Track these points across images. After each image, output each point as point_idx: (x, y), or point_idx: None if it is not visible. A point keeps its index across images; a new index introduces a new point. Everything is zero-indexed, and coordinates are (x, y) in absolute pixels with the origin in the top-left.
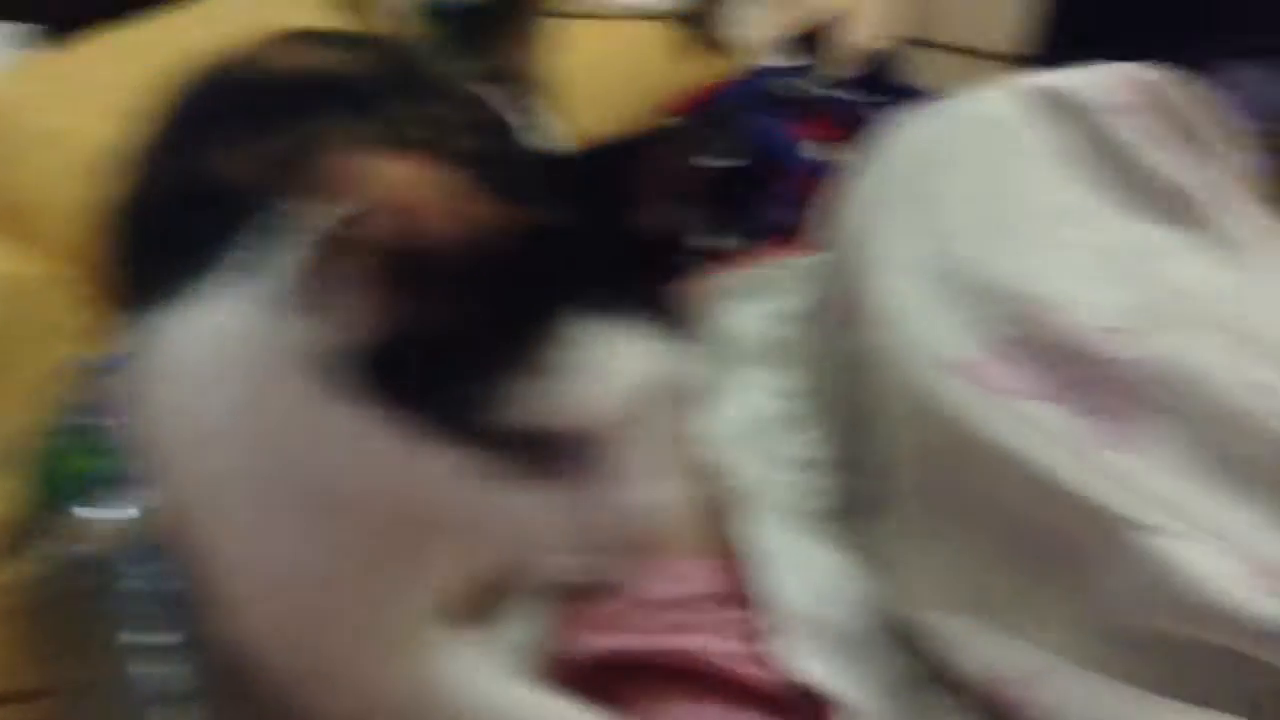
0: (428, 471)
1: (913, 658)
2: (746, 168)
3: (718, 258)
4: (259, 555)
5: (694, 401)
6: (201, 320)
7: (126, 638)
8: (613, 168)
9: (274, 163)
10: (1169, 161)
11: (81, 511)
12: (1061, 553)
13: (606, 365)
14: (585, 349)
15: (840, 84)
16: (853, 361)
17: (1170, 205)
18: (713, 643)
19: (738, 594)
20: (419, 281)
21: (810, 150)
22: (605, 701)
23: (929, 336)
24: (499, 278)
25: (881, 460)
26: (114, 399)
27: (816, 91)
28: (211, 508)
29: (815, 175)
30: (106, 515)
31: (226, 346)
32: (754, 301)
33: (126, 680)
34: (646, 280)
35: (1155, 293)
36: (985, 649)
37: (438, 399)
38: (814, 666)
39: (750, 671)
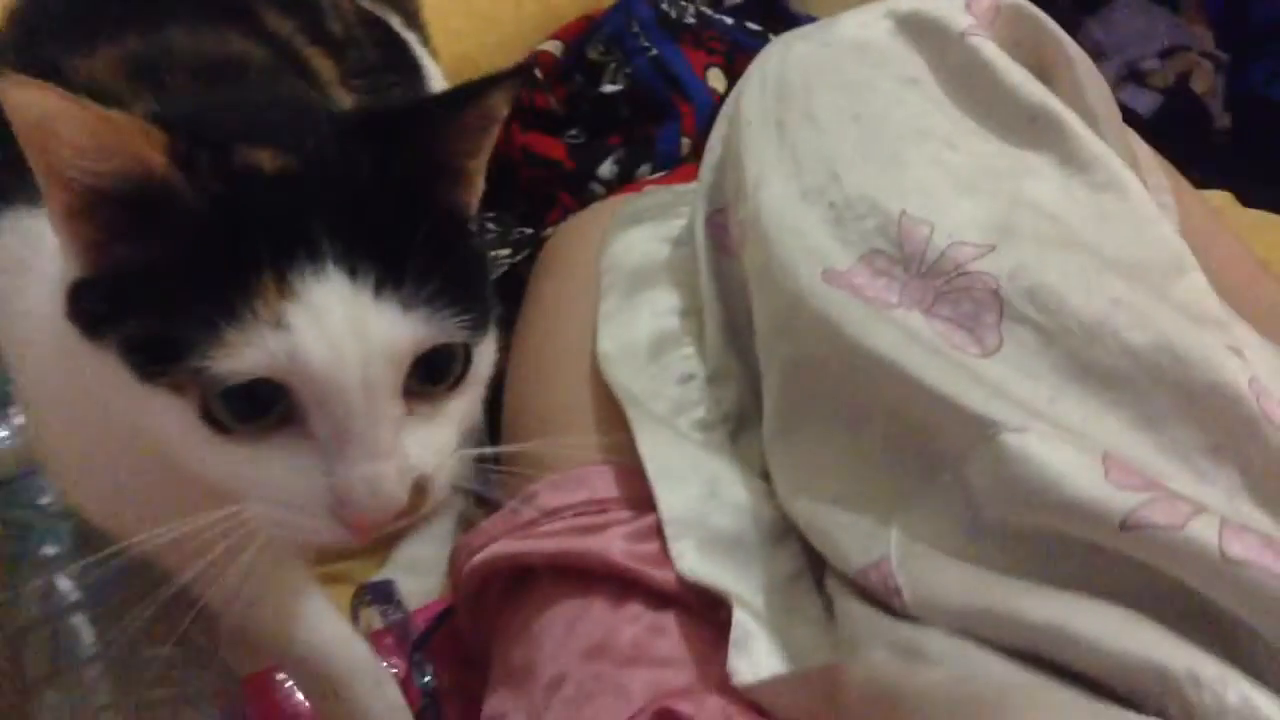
0: (160, 418)
1: (793, 556)
2: (645, 95)
3: (618, 188)
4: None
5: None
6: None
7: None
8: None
9: (128, 71)
10: (1029, 83)
11: None
12: (931, 453)
13: (339, 323)
14: (317, 305)
15: (723, 9)
16: (730, 277)
17: (1030, 125)
18: (615, 544)
19: (642, 498)
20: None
21: (711, 77)
22: (509, 608)
23: (807, 249)
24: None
25: (759, 370)
26: None
27: (701, 17)
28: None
29: (709, 102)
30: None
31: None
32: (641, 226)
33: (29, 594)
34: (428, 239)
35: (1015, 210)
36: (859, 538)
37: (142, 341)
38: (700, 566)
39: (647, 570)
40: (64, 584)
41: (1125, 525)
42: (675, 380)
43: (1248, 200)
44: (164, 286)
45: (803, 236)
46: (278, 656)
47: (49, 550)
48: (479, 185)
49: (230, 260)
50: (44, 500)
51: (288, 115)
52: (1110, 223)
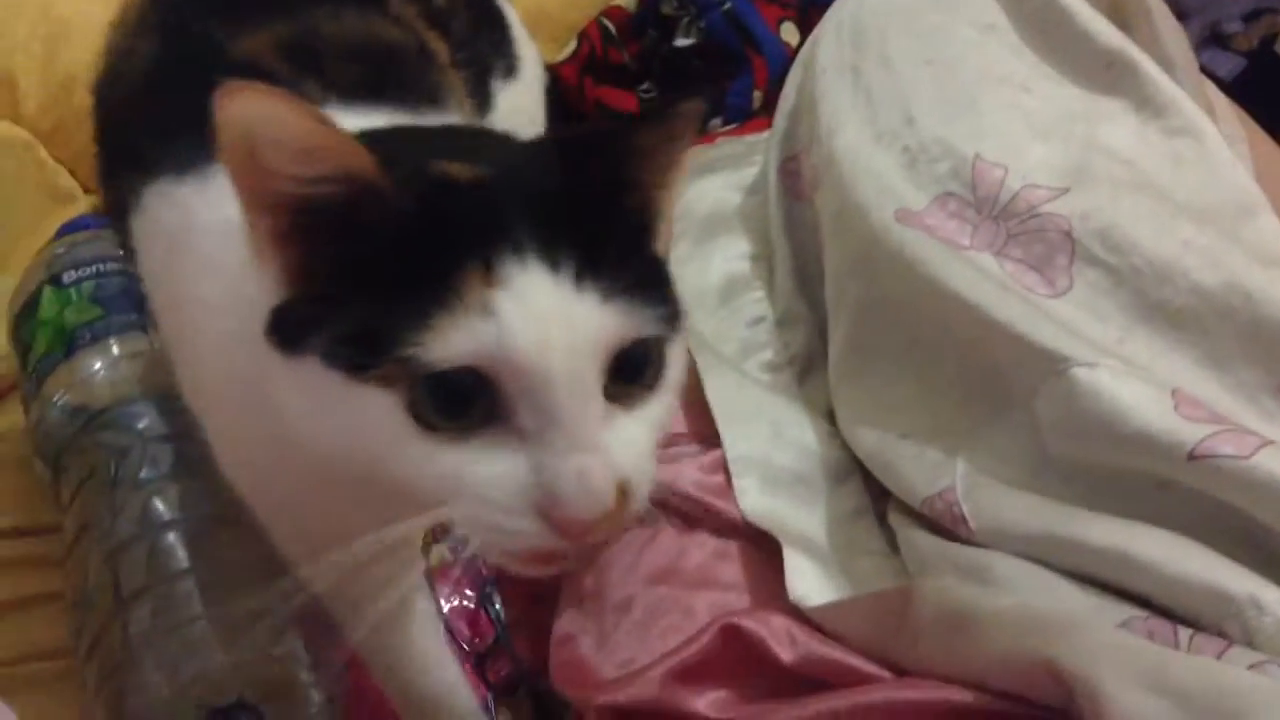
0: (366, 418)
1: (855, 493)
2: (718, 48)
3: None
4: (243, 459)
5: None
6: (211, 204)
7: (122, 476)
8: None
9: (285, 53)
10: (1106, 29)
11: (73, 362)
12: (1001, 389)
13: (545, 313)
14: (522, 292)
15: None
16: (802, 222)
17: (1107, 71)
18: (685, 474)
19: (710, 433)
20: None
21: (784, 31)
22: None
23: (881, 189)
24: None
25: (828, 310)
26: (97, 258)
27: None
28: (206, 389)
29: (782, 55)
30: (96, 365)
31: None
32: (714, 175)
33: (125, 515)
34: (612, 233)
35: (1089, 154)
36: (925, 469)
37: (351, 335)
38: (760, 502)
39: (715, 501)
40: (159, 504)
41: (1193, 455)
42: (745, 323)
43: None
44: (371, 283)
45: (878, 177)
46: (383, 675)
47: (146, 474)
48: (668, 211)
49: (436, 253)
50: (140, 425)
51: (474, 141)
52: (1184, 167)
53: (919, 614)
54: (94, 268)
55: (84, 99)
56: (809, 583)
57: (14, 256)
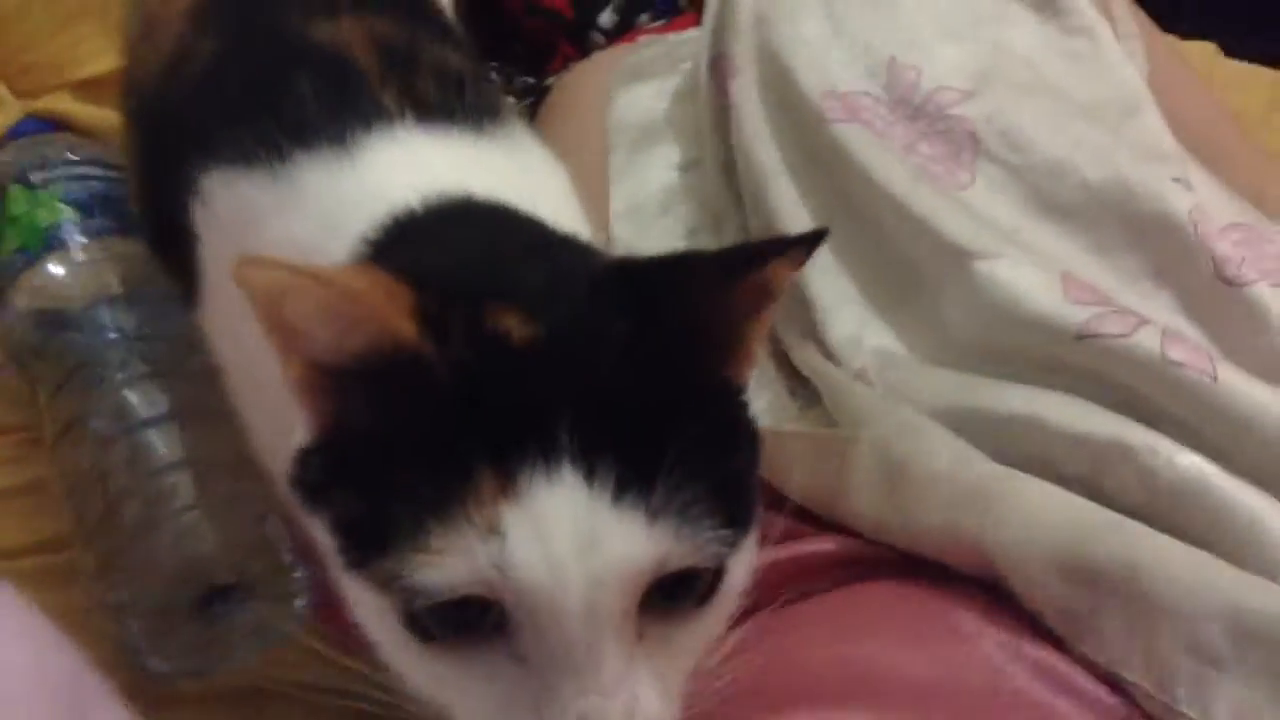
0: (364, 610)
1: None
2: None
3: (618, 37)
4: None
5: None
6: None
7: (98, 377)
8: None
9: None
10: None
11: (42, 263)
12: (915, 279)
13: (566, 536)
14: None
15: None
16: (728, 116)
17: None
18: None
19: None
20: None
21: None
22: None
23: (817, 77)
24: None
25: (754, 208)
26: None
27: None
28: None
29: None
30: (64, 268)
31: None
32: (643, 83)
33: (103, 415)
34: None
35: (995, 56)
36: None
37: (349, 524)
38: None
39: None
40: (134, 402)
41: (1080, 335)
42: (684, 232)
43: (1231, 51)
44: (383, 467)
45: (817, 70)
46: None
47: (120, 374)
48: (755, 354)
49: (456, 446)
50: (112, 326)
51: (540, 265)
52: (1079, 64)
53: (856, 465)
54: (61, 169)
55: (10, 1)
56: None
57: None
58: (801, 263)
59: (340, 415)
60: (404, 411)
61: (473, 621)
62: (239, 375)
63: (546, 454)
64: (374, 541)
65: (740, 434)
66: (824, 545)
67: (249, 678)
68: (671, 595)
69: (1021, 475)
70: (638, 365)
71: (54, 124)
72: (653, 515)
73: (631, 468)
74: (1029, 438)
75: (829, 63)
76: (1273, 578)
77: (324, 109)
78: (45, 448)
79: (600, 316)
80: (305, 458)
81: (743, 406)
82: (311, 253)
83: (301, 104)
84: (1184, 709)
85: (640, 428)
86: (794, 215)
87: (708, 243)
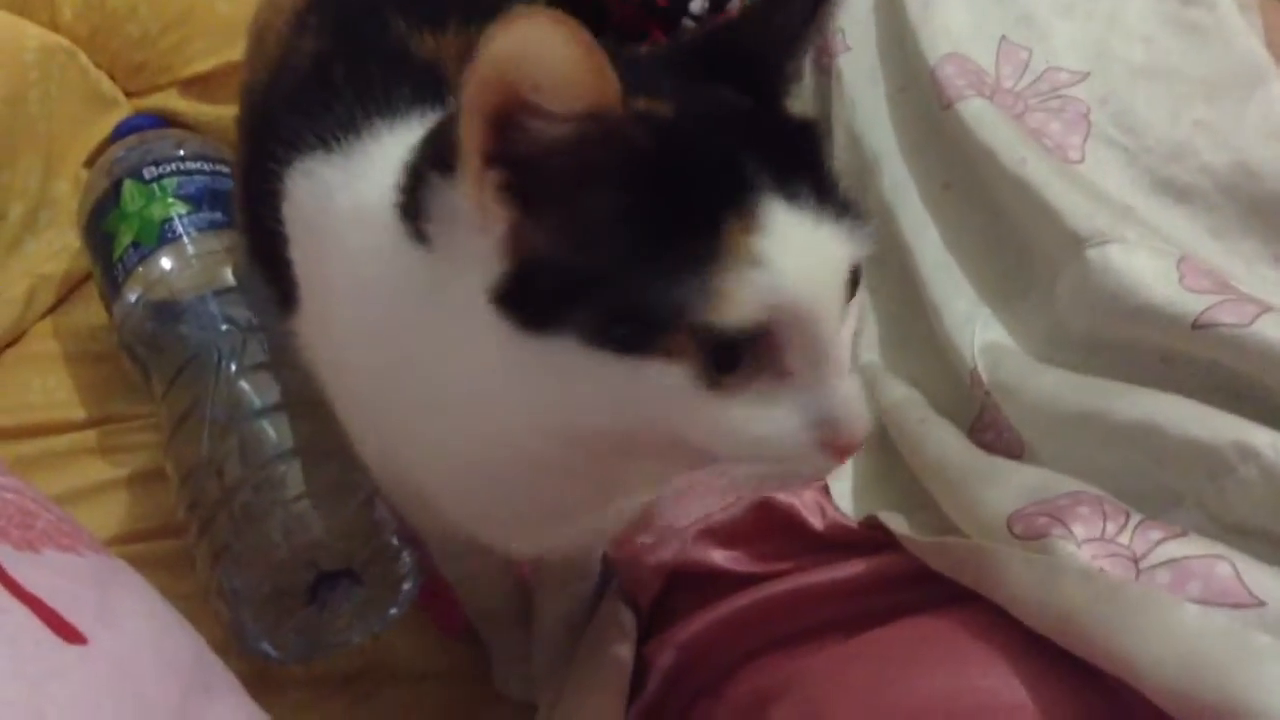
0: (642, 392)
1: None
2: None
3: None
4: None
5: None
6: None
7: (214, 367)
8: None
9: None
10: None
11: (157, 256)
12: (1029, 269)
13: (805, 250)
14: (782, 234)
15: None
16: (828, 98)
17: None
18: None
19: None
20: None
21: None
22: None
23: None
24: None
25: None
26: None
27: None
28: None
29: None
30: (178, 261)
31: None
32: None
33: (218, 405)
34: (806, 154)
35: (1109, 33)
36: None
37: (622, 311)
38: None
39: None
40: (248, 392)
41: (1197, 324)
42: None
43: None
44: (627, 247)
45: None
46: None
47: (233, 366)
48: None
49: (687, 207)
50: (224, 317)
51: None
52: (1197, 36)
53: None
54: (173, 165)
55: (119, 3)
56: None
57: (64, 163)
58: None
59: (555, 218)
60: (618, 189)
61: (741, 355)
62: (338, 377)
63: (764, 189)
64: (656, 316)
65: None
66: (854, 569)
67: (358, 661)
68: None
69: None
70: (763, 116)
71: (161, 119)
72: (837, 218)
73: (814, 185)
74: (1147, 445)
75: (952, 27)
76: None
77: (405, 99)
78: (158, 436)
79: (709, 90)
80: (519, 284)
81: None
82: (380, 212)
83: (384, 97)
84: None
85: (801, 154)
86: (904, 199)
87: None
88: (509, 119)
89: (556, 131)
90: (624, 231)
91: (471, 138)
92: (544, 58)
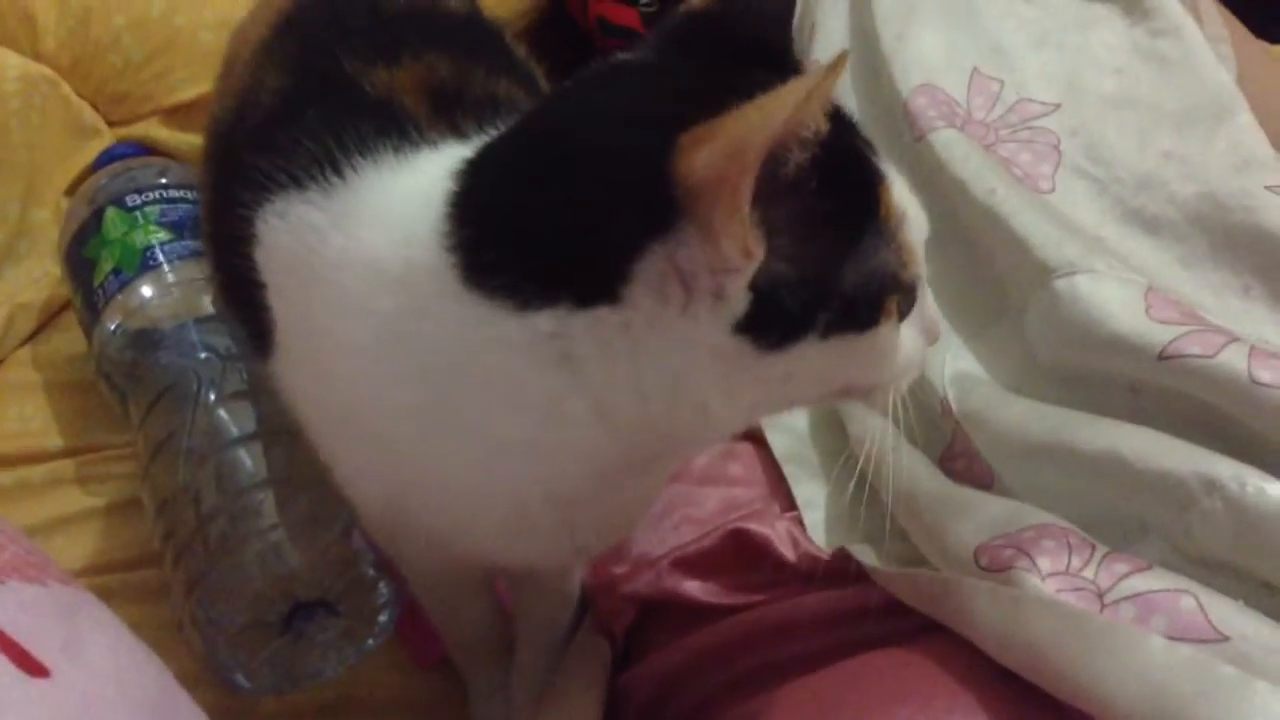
0: (865, 350)
1: None
2: None
3: None
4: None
5: None
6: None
7: (191, 397)
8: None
9: (430, 98)
10: None
11: (137, 284)
12: (1000, 300)
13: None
14: (897, 186)
15: None
16: None
17: None
18: None
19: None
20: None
21: None
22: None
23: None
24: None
25: None
26: (155, 184)
27: None
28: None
29: None
30: (157, 289)
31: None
32: None
33: (195, 435)
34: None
35: (1079, 65)
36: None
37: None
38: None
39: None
40: (225, 421)
41: (1163, 355)
42: None
43: None
44: (841, 244)
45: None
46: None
47: (212, 394)
48: None
49: (858, 186)
50: (202, 347)
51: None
52: (1167, 68)
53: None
54: (156, 193)
55: (102, 32)
56: (805, 488)
57: (45, 192)
58: None
59: (783, 241)
60: (825, 187)
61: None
62: (323, 417)
63: (872, 149)
64: (878, 289)
65: None
66: (825, 602)
67: (330, 693)
68: None
69: None
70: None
71: (144, 148)
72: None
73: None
74: (1112, 476)
75: (925, 57)
76: None
77: (370, 135)
78: (134, 465)
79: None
80: (773, 297)
81: None
82: (384, 248)
83: (351, 134)
84: None
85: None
86: None
87: None
88: (773, 156)
89: (795, 157)
90: (833, 231)
91: (746, 187)
92: (819, 102)
